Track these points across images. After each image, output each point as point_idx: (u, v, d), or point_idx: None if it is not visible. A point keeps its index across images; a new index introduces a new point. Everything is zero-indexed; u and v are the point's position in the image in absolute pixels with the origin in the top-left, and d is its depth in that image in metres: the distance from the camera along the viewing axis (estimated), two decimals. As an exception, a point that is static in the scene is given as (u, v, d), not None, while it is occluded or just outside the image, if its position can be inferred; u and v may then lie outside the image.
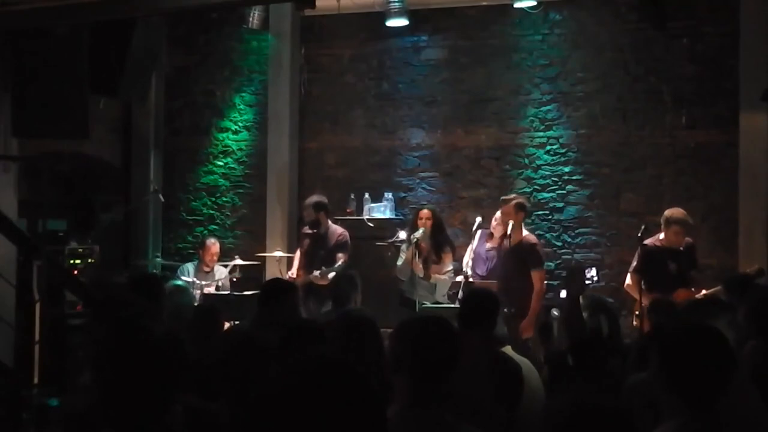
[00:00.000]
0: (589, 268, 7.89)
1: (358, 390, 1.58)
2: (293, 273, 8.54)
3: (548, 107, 9.28)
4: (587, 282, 7.49)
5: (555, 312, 7.06)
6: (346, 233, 8.51)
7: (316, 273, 8.18)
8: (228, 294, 8.64)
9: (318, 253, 8.43)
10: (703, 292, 7.32)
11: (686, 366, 2.65)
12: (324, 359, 1.63)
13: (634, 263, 7.57)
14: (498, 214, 8.06)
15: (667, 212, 7.63)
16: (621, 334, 5.85)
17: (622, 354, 4.88)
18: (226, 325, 5.76)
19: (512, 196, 8.13)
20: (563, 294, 7.72)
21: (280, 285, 5.41)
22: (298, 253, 8.76)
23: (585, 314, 5.36)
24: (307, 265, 8.46)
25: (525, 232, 7.92)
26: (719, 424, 2.64)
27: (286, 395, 1.55)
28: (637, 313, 7.26)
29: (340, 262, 8.21)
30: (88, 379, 3.74)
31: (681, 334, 2.80)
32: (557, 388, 4.32)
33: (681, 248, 7.56)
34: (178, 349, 3.27)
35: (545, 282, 7.92)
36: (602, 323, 5.08)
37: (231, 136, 10.33)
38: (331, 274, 7.82)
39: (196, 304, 7.08)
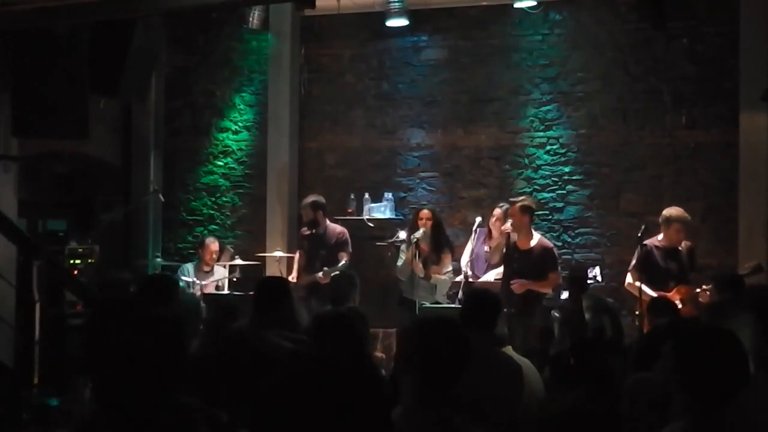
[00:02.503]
0: (591, 268, 7.87)
1: (363, 390, 1.58)
2: (294, 277, 8.52)
3: (548, 107, 9.28)
4: (589, 282, 7.47)
5: (555, 314, 7.04)
6: (346, 231, 8.51)
7: (320, 274, 8.17)
8: (228, 294, 8.64)
9: (318, 253, 8.41)
10: (703, 287, 7.31)
11: (702, 367, 2.69)
12: (329, 361, 1.63)
13: (634, 262, 7.57)
14: (497, 211, 8.05)
15: (666, 211, 7.64)
16: (623, 334, 5.86)
17: (623, 354, 4.88)
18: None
19: (520, 198, 7.92)
20: (564, 295, 7.69)
21: (275, 283, 5.36)
22: (297, 256, 8.74)
23: (587, 315, 5.36)
24: (308, 266, 8.45)
25: (536, 236, 7.69)
26: (730, 424, 2.66)
27: (292, 397, 1.56)
28: (637, 312, 7.26)
29: (343, 262, 8.20)
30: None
31: (699, 335, 2.83)
32: (558, 388, 4.32)
33: (681, 248, 7.57)
34: (179, 350, 3.26)
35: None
36: (606, 324, 5.08)
37: (231, 136, 10.33)
38: (335, 274, 7.82)
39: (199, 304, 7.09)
